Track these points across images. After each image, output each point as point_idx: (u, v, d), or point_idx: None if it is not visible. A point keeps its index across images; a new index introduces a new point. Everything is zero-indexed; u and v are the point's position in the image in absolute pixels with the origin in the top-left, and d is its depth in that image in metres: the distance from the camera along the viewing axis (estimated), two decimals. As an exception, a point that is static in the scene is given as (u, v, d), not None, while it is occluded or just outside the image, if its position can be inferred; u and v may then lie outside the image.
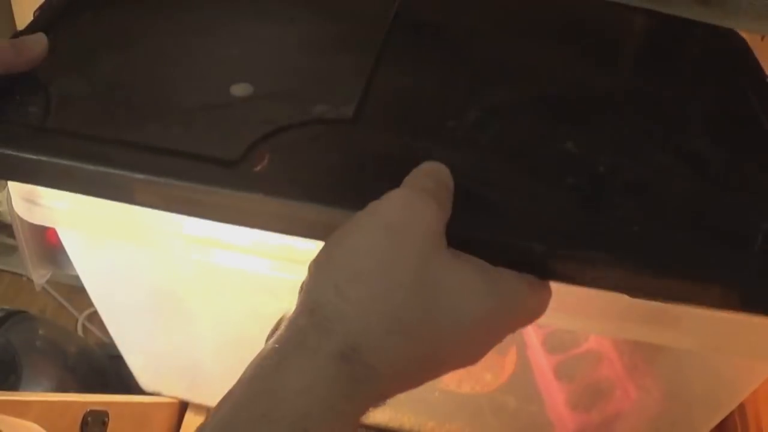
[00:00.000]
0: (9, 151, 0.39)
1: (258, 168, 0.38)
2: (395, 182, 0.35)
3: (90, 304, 1.28)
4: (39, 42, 0.42)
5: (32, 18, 0.47)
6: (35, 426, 0.63)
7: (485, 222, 0.36)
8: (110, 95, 0.42)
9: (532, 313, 0.35)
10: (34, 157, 0.39)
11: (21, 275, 1.32)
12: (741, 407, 0.62)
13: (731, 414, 0.62)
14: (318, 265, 0.32)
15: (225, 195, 0.37)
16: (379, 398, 0.30)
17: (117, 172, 0.38)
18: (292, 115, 0.41)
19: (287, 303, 0.54)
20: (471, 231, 0.36)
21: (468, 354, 0.33)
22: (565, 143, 0.42)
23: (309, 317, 0.30)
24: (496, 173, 0.40)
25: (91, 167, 0.38)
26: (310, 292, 0.31)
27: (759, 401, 0.61)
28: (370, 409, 0.30)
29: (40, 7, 0.48)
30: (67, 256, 0.53)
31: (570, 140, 0.42)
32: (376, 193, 0.34)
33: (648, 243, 0.37)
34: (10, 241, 1.29)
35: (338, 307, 0.30)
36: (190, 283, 0.55)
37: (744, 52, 0.55)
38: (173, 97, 0.42)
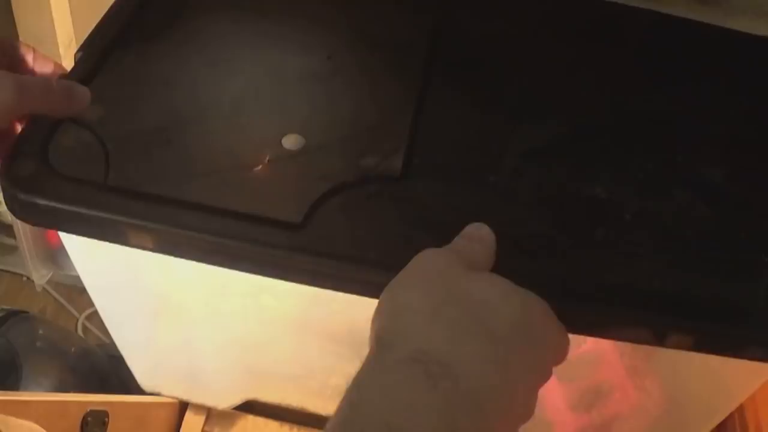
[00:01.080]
0: (74, 208, 0.40)
1: (320, 231, 0.40)
2: (447, 241, 0.39)
3: (90, 304, 1.27)
4: (86, 94, 0.44)
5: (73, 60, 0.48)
6: (35, 426, 0.63)
7: (521, 285, 0.38)
8: (165, 150, 0.43)
9: (559, 346, 0.38)
10: (100, 215, 0.40)
11: (21, 275, 1.32)
12: (740, 409, 0.62)
13: (731, 416, 0.62)
14: (375, 315, 0.36)
15: (289, 258, 0.39)
16: (469, 403, 0.32)
17: (186, 233, 0.40)
18: (343, 170, 0.42)
19: (286, 303, 0.54)
20: None
21: (529, 363, 0.35)
22: (594, 188, 0.44)
23: (374, 346, 0.34)
24: (532, 231, 0.42)
25: (157, 226, 0.40)
26: (373, 333, 0.35)
27: (758, 403, 0.61)
28: (465, 415, 0.31)
29: (81, 49, 0.48)
30: (68, 256, 0.53)
31: (599, 185, 0.44)
32: None
33: (667, 299, 0.39)
34: (10, 241, 1.29)
35: (396, 329, 0.34)
36: (190, 284, 0.55)
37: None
38: (228, 152, 0.43)
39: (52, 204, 0.40)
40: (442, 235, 0.39)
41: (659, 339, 0.40)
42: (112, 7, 0.52)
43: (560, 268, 0.40)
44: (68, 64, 0.49)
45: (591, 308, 0.40)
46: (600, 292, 0.40)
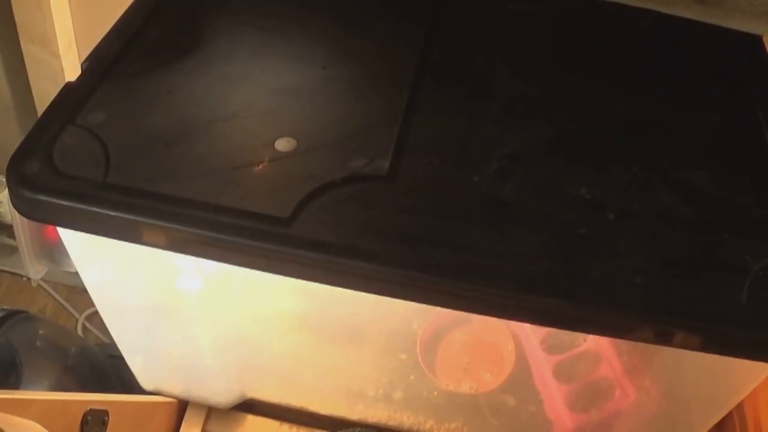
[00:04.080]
0: (74, 204, 0.42)
1: (307, 226, 0.41)
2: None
3: (90, 304, 1.27)
4: None
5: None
6: (36, 425, 0.63)
7: (502, 281, 0.39)
8: (163, 153, 0.45)
9: None
10: (99, 210, 0.42)
11: (21, 275, 1.32)
12: (739, 407, 0.62)
13: (730, 413, 0.62)
14: None
15: (277, 251, 0.41)
16: None
17: (179, 227, 0.42)
18: (332, 170, 0.44)
19: (285, 302, 0.55)
20: (486, 288, 0.39)
21: None
22: (579, 189, 0.44)
23: None
24: (515, 232, 0.43)
25: (152, 221, 0.42)
26: None
27: (758, 401, 0.61)
28: None
29: (87, 59, 0.50)
30: (65, 253, 0.53)
31: (583, 186, 0.44)
32: (413, 250, 0.40)
33: (647, 296, 0.40)
34: (10, 241, 1.29)
35: None
36: (190, 283, 0.55)
37: (758, 58, 0.55)
38: (223, 154, 0.45)
39: (55, 201, 0.42)
40: (426, 237, 0.41)
41: (635, 335, 0.41)
42: (118, 21, 0.54)
43: (541, 264, 0.41)
44: (68, 64, 0.50)
45: (570, 304, 0.40)
46: (581, 289, 0.40)
